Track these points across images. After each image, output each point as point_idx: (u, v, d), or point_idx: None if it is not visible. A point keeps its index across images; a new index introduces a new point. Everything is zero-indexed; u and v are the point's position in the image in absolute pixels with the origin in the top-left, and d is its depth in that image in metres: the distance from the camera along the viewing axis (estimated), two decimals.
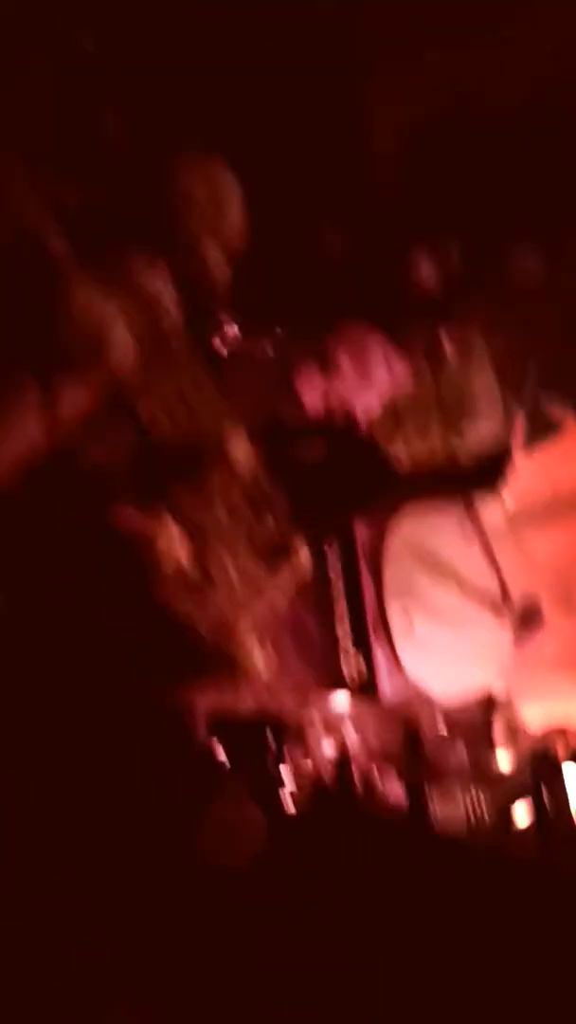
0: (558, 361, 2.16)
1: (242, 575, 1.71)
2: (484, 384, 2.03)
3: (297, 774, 1.95)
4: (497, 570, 2.19)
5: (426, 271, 1.97)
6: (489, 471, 2.10)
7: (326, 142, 1.83)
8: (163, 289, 1.37)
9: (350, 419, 2.15)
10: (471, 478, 2.12)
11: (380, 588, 2.22)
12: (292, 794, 1.91)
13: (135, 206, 1.41)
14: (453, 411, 2.04)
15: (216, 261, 1.40)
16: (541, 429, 2.23)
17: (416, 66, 1.71)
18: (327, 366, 2.12)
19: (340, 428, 2.15)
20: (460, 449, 2.10)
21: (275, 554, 1.79)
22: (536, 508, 2.21)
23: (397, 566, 2.23)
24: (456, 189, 1.85)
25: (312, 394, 2.13)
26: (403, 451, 2.09)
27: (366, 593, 2.21)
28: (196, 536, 1.64)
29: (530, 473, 2.17)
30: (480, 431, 2.07)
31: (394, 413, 2.07)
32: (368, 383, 2.15)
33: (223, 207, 1.40)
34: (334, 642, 2.20)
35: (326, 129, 1.81)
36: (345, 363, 2.13)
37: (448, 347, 2.03)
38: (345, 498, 2.20)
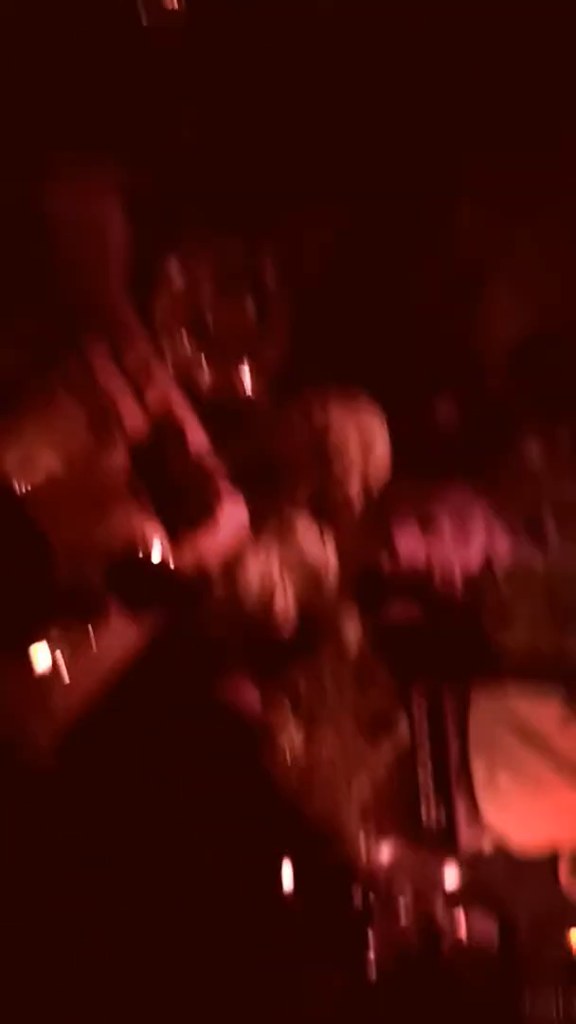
0: None
1: (346, 752, 1.76)
2: None
3: (383, 936, 1.94)
4: None
5: (533, 450, 2.05)
6: None
7: (450, 331, 1.96)
8: (326, 554, 1.47)
9: (444, 578, 2.20)
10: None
11: (465, 740, 2.23)
12: (375, 959, 1.90)
13: (289, 453, 1.53)
14: (564, 608, 2.06)
15: (358, 493, 1.49)
16: None
17: (535, 275, 1.84)
18: (427, 524, 2.19)
19: (433, 586, 2.20)
20: (569, 647, 2.11)
21: (377, 727, 1.83)
22: None
23: (484, 722, 2.26)
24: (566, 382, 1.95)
25: (409, 549, 2.20)
26: (509, 640, 2.13)
27: (451, 743, 2.23)
28: (307, 718, 1.70)
29: None
30: None
31: (501, 602, 2.12)
32: (466, 545, 2.21)
33: (372, 449, 1.50)
34: (415, 787, 2.20)
35: (450, 317, 1.95)
36: (446, 523, 2.20)
37: (552, 527, 2.08)
38: (436, 653, 2.23)
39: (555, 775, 2.22)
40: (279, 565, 1.42)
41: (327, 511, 1.53)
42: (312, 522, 1.54)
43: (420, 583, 2.20)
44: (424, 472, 2.19)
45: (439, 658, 2.23)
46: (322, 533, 1.50)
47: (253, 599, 1.39)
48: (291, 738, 1.75)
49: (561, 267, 1.84)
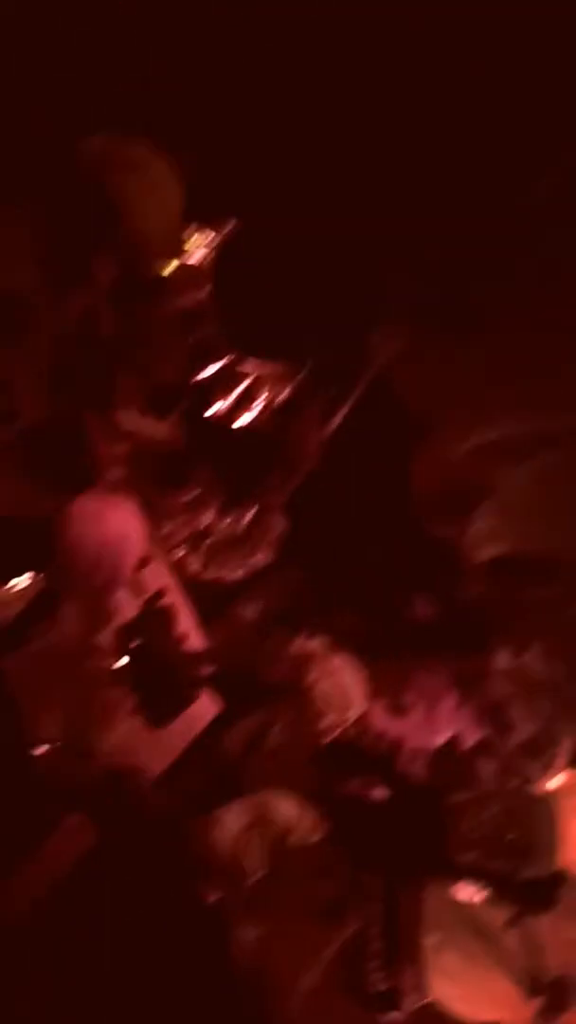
0: None
1: (298, 941, 1.83)
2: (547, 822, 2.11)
3: None
4: (536, 951, 2.22)
5: (503, 659, 2.17)
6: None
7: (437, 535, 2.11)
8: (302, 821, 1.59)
9: (409, 761, 2.30)
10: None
11: (417, 914, 2.29)
12: None
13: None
14: (519, 842, 2.12)
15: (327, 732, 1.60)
16: None
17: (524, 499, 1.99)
18: (398, 707, 2.30)
19: (397, 767, 2.29)
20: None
21: (330, 916, 1.91)
22: None
23: (438, 904, 2.31)
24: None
25: (378, 729, 2.30)
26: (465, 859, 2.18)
27: (403, 914, 2.28)
28: (261, 911, 1.77)
29: None
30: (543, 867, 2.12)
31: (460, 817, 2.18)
32: (433, 732, 2.31)
33: (347, 711, 1.63)
34: (363, 953, 2.25)
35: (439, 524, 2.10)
36: (415, 709, 2.31)
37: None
38: (394, 833, 2.30)
39: (498, 968, 2.27)
40: (254, 829, 1.53)
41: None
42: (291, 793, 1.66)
43: (384, 763, 2.30)
44: (399, 658, 2.31)
45: (397, 839, 2.30)
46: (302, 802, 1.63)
47: (225, 855, 1.50)
48: (245, 929, 1.83)
49: (548, 503, 1.99)
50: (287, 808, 1.59)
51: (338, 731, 1.62)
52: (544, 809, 2.08)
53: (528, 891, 2.08)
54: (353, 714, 1.64)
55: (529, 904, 2.08)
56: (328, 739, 1.64)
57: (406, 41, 1.65)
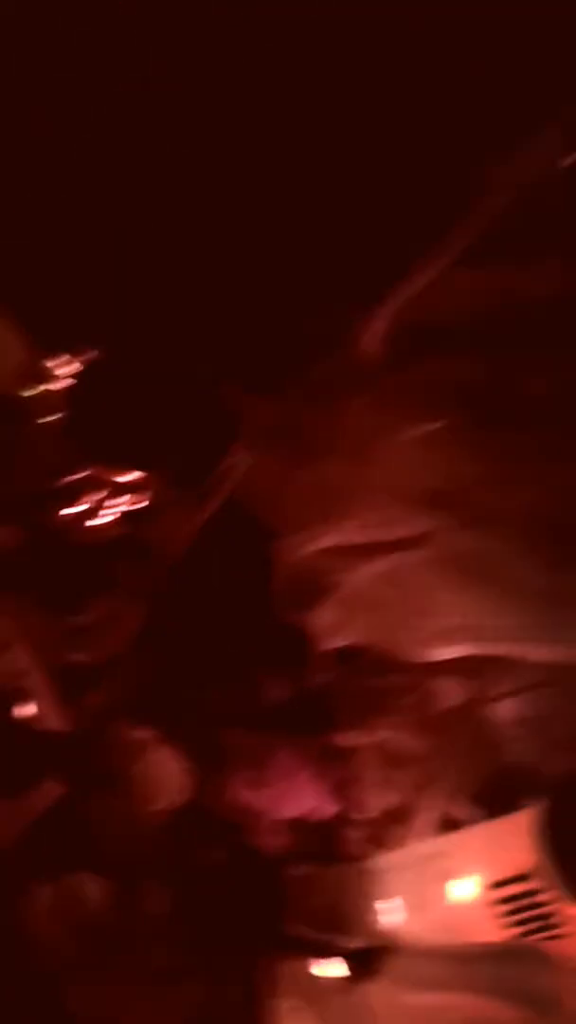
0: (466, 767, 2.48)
1: (141, 1008, 1.94)
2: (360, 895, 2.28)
3: None
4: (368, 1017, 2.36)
5: (356, 738, 2.37)
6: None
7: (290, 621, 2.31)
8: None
9: (261, 831, 2.45)
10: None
11: (273, 977, 2.42)
12: None
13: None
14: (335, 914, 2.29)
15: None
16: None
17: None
18: (254, 781, 2.46)
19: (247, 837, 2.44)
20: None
21: (170, 982, 2.03)
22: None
23: (293, 967, 2.44)
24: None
25: (234, 801, 2.46)
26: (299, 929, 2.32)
27: (259, 978, 2.40)
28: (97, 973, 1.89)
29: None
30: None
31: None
32: (289, 803, 2.48)
33: (162, 799, 1.78)
34: (219, 1015, 2.35)
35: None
36: (274, 780, 2.47)
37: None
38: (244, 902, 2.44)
39: None
40: (60, 910, 1.66)
41: None
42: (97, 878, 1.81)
43: (241, 834, 2.45)
44: (259, 735, 2.48)
45: (249, 908, 2.44)
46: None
47: (38, 932, 1.63)
48: (81, 990, 1.94)
49: (387, 599, 2.21)
50: (92, 891, 1.73)
51: (161, 816, 1.78)
52: (357, 882, 2.25)
53: (354, 959, 2.23)
54: (173, 802, 1.80)
55: (355, 972, 2.23)
56: (152, 823, 1.79)
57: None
